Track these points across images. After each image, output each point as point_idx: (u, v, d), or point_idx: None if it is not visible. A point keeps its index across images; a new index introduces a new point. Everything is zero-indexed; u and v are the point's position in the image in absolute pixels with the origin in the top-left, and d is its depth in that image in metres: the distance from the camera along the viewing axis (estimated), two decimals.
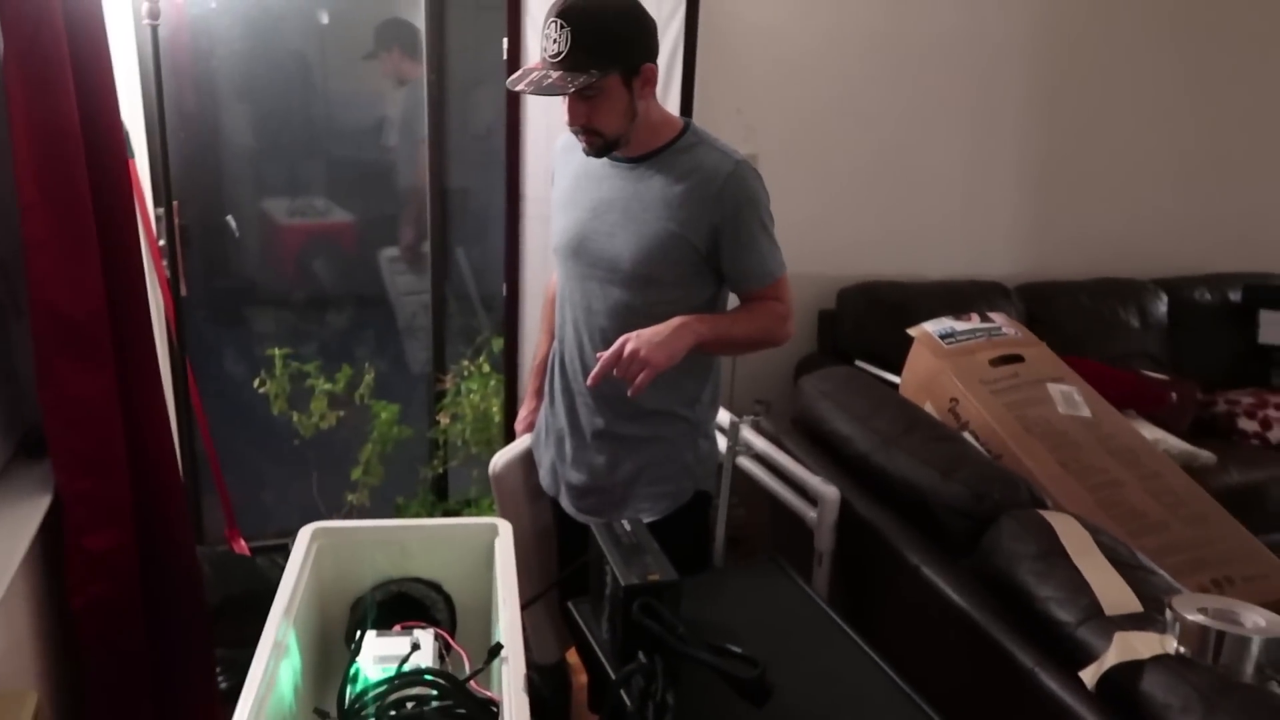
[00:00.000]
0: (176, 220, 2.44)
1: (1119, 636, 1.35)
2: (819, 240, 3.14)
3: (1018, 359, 2.39)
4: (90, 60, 1.48)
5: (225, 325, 2.90)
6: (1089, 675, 1.35)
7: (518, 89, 1.56)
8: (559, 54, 1.52)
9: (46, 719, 1.34)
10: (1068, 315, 3.25)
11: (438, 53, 2.73)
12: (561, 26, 1.51)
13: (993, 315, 2.58)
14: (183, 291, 2.49)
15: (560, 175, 1.83)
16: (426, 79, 2.73)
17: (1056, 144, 3.36)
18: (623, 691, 1.21)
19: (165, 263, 2.44)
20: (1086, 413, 2.26)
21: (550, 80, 1.52)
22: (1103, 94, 3.36)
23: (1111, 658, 1.33)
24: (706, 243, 1.65)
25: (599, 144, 1.63)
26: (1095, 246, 3.50)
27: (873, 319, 3.02)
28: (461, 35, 2.75)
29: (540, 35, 1.56)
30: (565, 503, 1.88)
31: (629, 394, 1.55)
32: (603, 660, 1.35)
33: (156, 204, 2.43)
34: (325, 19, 2.76)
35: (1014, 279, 3.30)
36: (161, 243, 2.44)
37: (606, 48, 1.53)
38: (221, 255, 2.81)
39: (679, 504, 1.79)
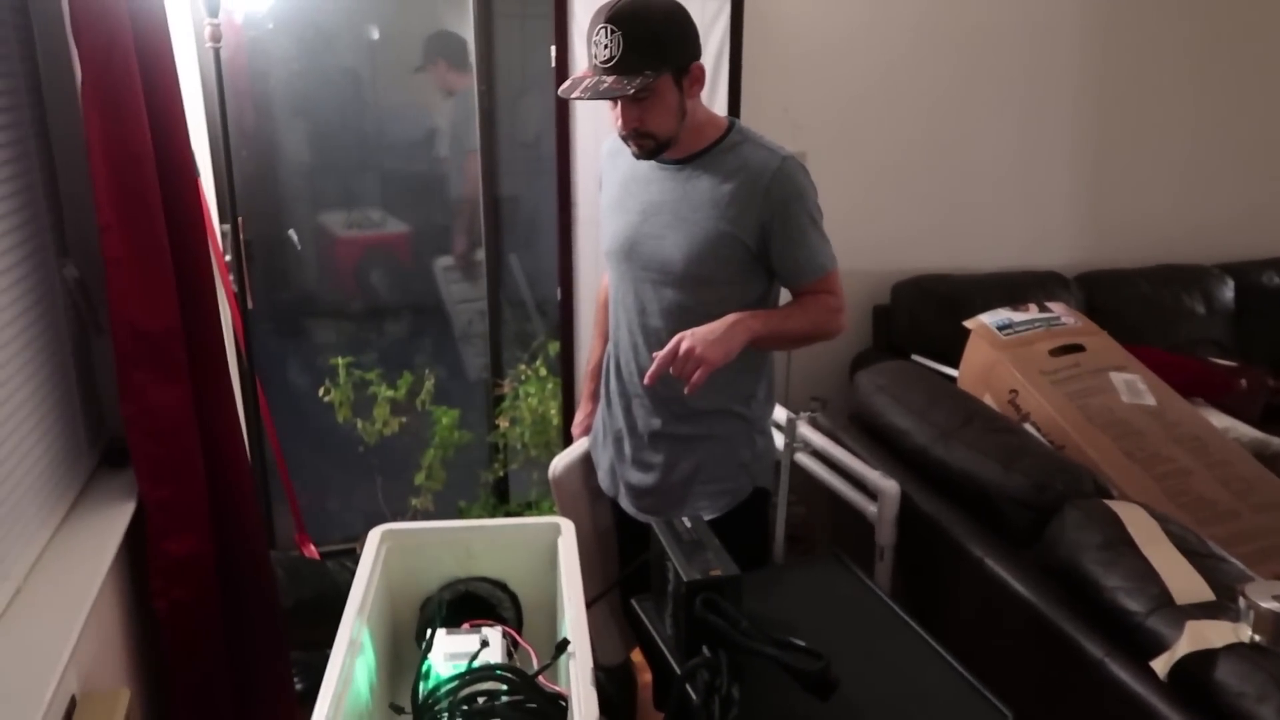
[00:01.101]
0: (241, 236, 2.52)
1: (1191, 625, 1.33)
2: (871, 235, 3.13)
3: (1078, 348, 2.36)
4: (159, 85, 1.54)
5: (289, 336, 2.97)
6: (1161, 665, 1.33)
7: (572, 97, 1.58)
8: (611, 59, 1.53)
9: (137, 716, 1.39)
10: (1129, 303, 3.19)
11: (486, 62, 2.78)
12: (612, 31, 1.52)
13: (1051, 305, 2.54)
14: (249, 304, 2.57)
15: (608, 180, 1.85)
16: (476, 89, 2.78)
17: (1112, 126, 3.29)
18: (688, 686, 1.23)
19: (232, 277, 2.52)
20: (1151, 401, 2.22)
21: (606, 85, 1.54)
22: (1159, 72, 3.28)
23: (1184, 647, 1.32)
24: (756, 240, 1.66)
25: (650, 146, 1.64)
26: (1156, 232, 3.43)
27: (927, 313, 3.00)
28: (509, 44, 2.80)
29: (588, 43, 1.58)
30: (625, 503, 1.90)
31: (685, 392, 1.56)
32: (667, 656, 1.36)
33: (222, 220, 2.51)
34: (376, 35, 2.82)
35: (1072, 268, 3.25)
36: (228, 258, 2.52)
37: (658, 49, 1.55)
38: (283, 268, 2.88)
39: (738, 501, 1.80)
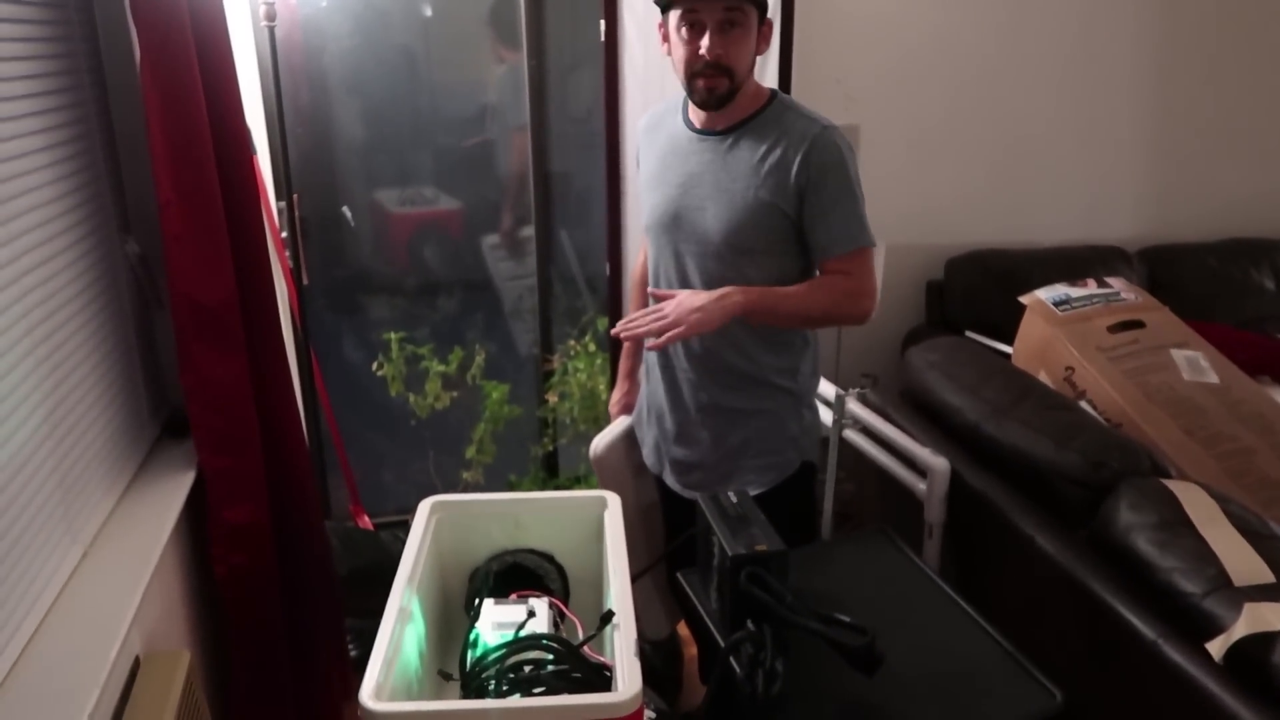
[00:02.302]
0: (297, 213, 2.57)
1: (1249, 607, 1.30)
2: (925, 209, 3.08)
3: (1138, 325, 2.30)
4: (216, 64, 1.57)
5: (343, 312, 3.02)
6: (1217, 647, 1.30)
7: (683, 6, 1.58)
8: None
9: (198, 677, 1.44)
10: (1194, 278, 3.10)
11: (537, 37, 2.78)
12: None
13: (1110, 280, 2.48)
14: (304, 280, 2.62)
15: (646, 155, 1.85)
16: (526, 64, 2.79)
17: (1177, 94, 3.18)
18: (732, 659, 1.23)
19: (288, 253, 2.57)
20: (1214, 378, 2.16)
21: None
22: (1226, 36, 3.16)
23: (1241, 629, 1.29)
24: (794, 208, 1.65)
25: (724, 87, 1.63)
26: (1223, 205, 3.31)
27: (983, 288, 2.95)
28: (559, 19, 2.79)
29: None
30: (670, 479, 1.91)
31: (646, 346, 1.68)
32: (712, 629, 1.37)
33: (278, 198, 2.55)
34: (429, 11, 2.83)
35: (1135, 242, 3.16)
36: (284, 234, 2.56)
37: None
38: (338, 245, 2.93)
39: (785, 475, 1.80)
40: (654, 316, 1.60)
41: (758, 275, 1.67)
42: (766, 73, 2.50)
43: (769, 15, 1.65)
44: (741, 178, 1.66)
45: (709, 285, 1.71)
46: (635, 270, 2.05)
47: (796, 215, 1.65)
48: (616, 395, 2.12)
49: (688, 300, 1.60)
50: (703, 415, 1.81)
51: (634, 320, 1.63)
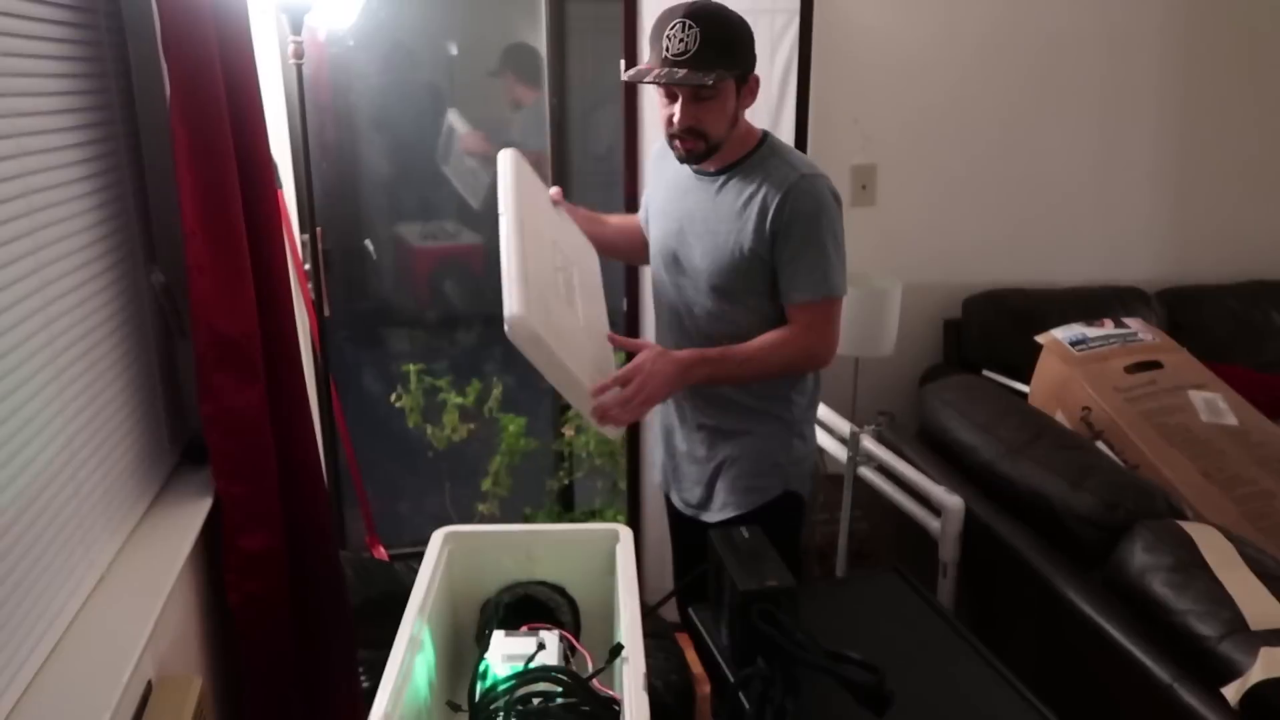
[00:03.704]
0: (320, 245, 2.61)
1: (1265, 652, 1.29)
2: (942, 248, 3.09)
3: (1156, 365, 2.29)
4: (243, 101, 1.61)
5: (363, 344, 3.06)
6: (1233, 692, 1.28)
7: (645, 81, 1.60)
8: (685, 52, 1.57)
9: (209, 704, 1.45)
10: (1214, 320, 3.08)
11: (558, 75, 2.82)
12: (689, 26, 1.57)
13: (1128, 321, 2.47)
14: (326, 312, 2.65)
15: (654, 183, 1.90)
16: (548, 101, 2.83)
17: (1197, 136, 3.18)
18: (741, 695, 1.23)
19: (310, 285, 2.60)
20: (1233, 421, 2.14)
21: (681, 74, 1.57)
22: (1245, 81, 3.17)
23: (1257, 674, 1.27)
24: (770, 254, 1.68)
25: (701, 149, 1.66)
26: (1244, 247, 3.30)
27: (1000, 328, 2.94)
28: (581, 58, 2.84)
29: (655, 39, 1.61)
30: (676, 498, 1.93)
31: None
32: (722, 666, 1.37)
33: (302, 230, 2.60)
34: (454, 50, 2.89)
35: (1154, 284, 3.15)
36: (307, 266, 2.60)
37: (730, 50, 1.60)
38: (360, 278, 2.97)
39: (764, 500, 1.80)
40: (621, 400, 1.59)
41: (746, 317, 1.72)
42: (784, 112, 2.53)
43: (754, 73, 1.67)
44: (725, 221, 1.70)
45: (706, 317, 1.75)
46: (631, 216, 2.09)
47: (772, 261, 1.68)
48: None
49: (656, 371, 1.61)
50: (700, 431, 1.85)
51: (603, 403, 1.59)
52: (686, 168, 1.77)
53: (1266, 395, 2.40)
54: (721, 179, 1.72)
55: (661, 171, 1.87)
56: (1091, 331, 2.39)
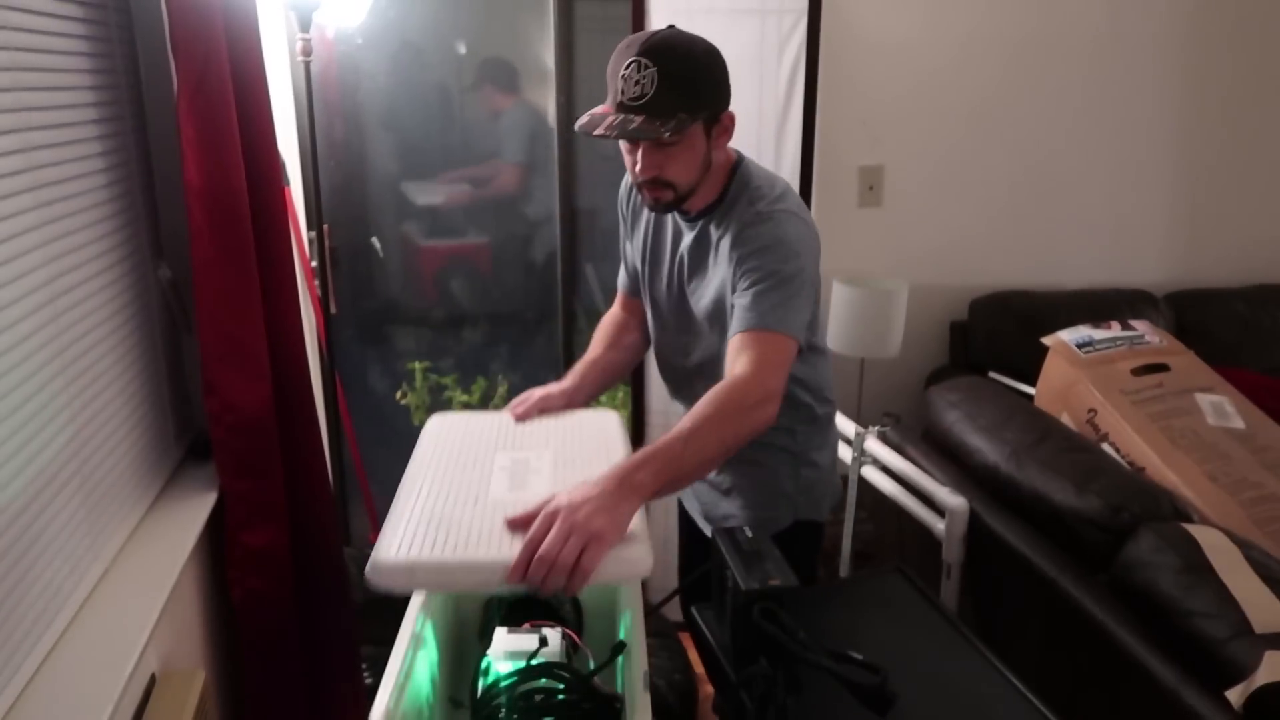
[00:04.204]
0: (327, 243, 2.61)
1: (1270, 655, 1.28)
2: (950, 250, 3.08)
3: (1163, 368, 2.28)
4: (251, 97, 1.61)
5: (369, 342, 3.06)
6: (1236, 695, 1.28)
7: (595, 134, 1.39)
8: (641, 96, 1.38)
9: (212, 698, 1.45)
10: (1222, 324, 3.07)
11: (566, 75, 2.83)
12: (645, 66, 1.37)
13: (1135, 323, 2.47)
14: (332, 310, 2.66)
15: (636, 222, 1.74)
16: (556, 101, 2.84)
17: (1206, 140, 3.18)
18: (743, 694, 1.23)
19: (317, 282, 2.61)
20: (1240, 424, 2.14)
21: (635, 124, 1.37)
22: (1254, 84, 3.16)
23: (1262, 677, 1.27)
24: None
25: (669, 198, 1.49)
26: (1252, 250, 3.29)
27: (1007, 330, 2.94)
28: (589, 58, 2.84)
29: (612, 78, 1.43)
30: (688, 504, 1.90)
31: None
32: (725, 665, 1.37)
33: (309, 228, 2.61)
34: (463, 50, 2.89)
35: (1162, 287, 3.15)
36: (314, 264, 2.61)
37: (695, 90, 1.40)
38: (366, 275, 2.98)
39: (776, 530, 1.71)
40: (547, 552, 1.12)
41: None
42: (790, 114, 2.53)
43: (728, 110, 1.48)
44: (709, 268, 1.57)
45: (702, 358, 1.63)
46: (604, 318, 1.87)
47: None
48: (541, 391, 1.69)
49: (576, 497, 1.18)
50: None
51: (523, 558, 1.14)
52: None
53: (1274, 399, 2.39)
54: (700, 224, 1.57)
55: (640, 213, 1.72)
56: (1098, 334, 2.38)
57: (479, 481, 1.34)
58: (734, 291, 1.46)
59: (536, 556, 1.11)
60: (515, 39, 2.91)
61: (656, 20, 2.45)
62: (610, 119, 1.40)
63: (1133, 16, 3.01)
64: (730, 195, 1.54)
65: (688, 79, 1.39)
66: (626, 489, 1.21)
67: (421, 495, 1.30)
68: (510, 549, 1.14)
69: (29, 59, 1.23)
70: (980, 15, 2.93)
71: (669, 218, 1.63)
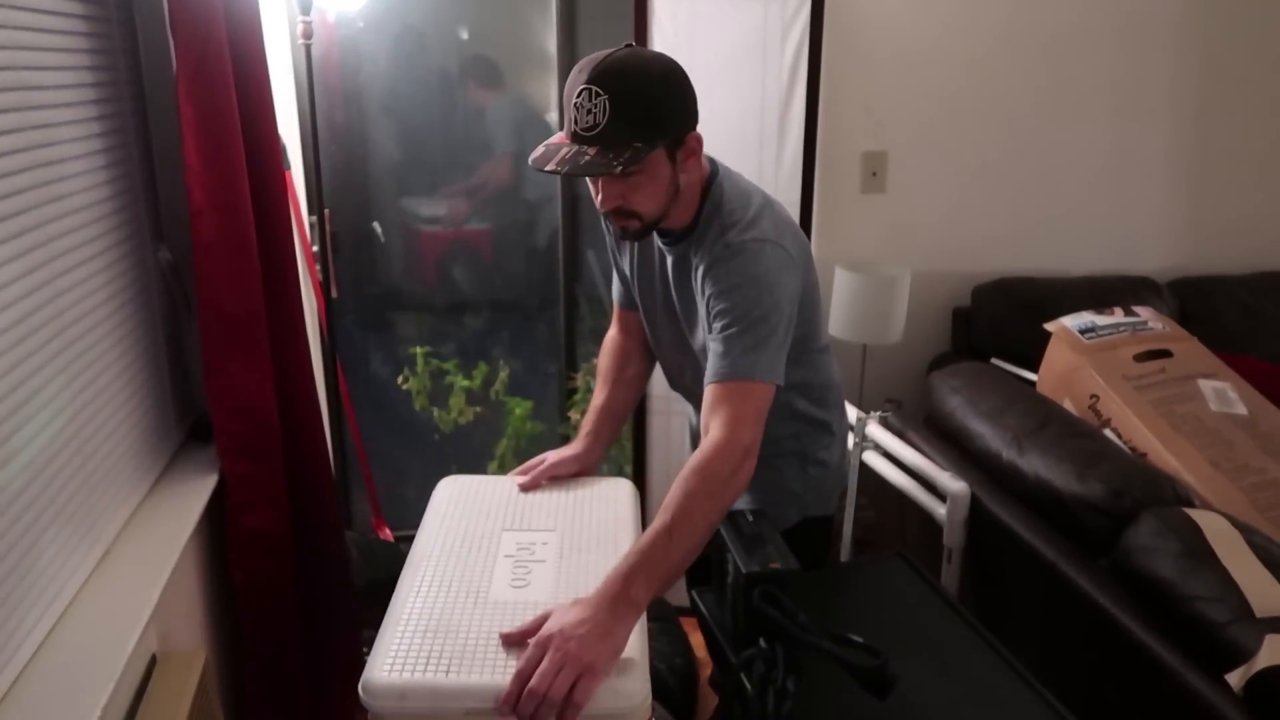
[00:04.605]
0: (328, 227, 2.61)
1: (1270, 639, 1.28)
2: (952, 236, 3.07)
3: (1165, 354, 2.27)
4: (251, 80, 1.61)
5: (371, 327, 3.06)
6: (1236, 678, 1.28)
7: (547, 169, 1.31)
8: (594, 126, 1.30)
9: (213, 677, 1.46)
10: (1226, 311, 3.06)
11: (569, 63, 2.82)
12: (596, 94, 1.29)
13: (1138, 309, 2.46)
14: (333, 294, 2.66)
15: (620, 247, 1.68)
16: (557, 85, 2.83)
17: (1211, 126, 3.15)
18: (743, 676, 1.23)
19: (318, 267, 2.61)
20: (1242, 410, 2.13)
21: (588, 158, 1.29)
22: (1260, 70, 3.14)
23: (1263, 660, 1.27)
24: None
25: (636, 227, 1.42)
26: (1257, 237, 3.27)
27: (1009, 316, 2.93)
28: (592, 46, 2.83)
29: (565, 106, 1.36)
30: None
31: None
32: (725, 647, 1.37)
33: (310, 212, 2.60)
34: (465, 35, 2.88)
35: (1165, 274, 3.13)
36: (315, 248, 2.61)
37: (649, 117, 1.31)
38: (368, 260, 2.97)
39: (784, 528, 1.64)
40: (538, 686, 1.08)
41: None
42: (794, 99, 2.52)
43: (692, 131, 1.39)
44: (689, 288, 1.50)
45: (698, 374, 1.52)
46: (606, 343, 1.80)
47: None
48: (558, 454, 1.64)
49: (568, 620, 1.14)
50: None
51: (511, 694, 1.09)
52: None
53: (1277, 386, 2.39)
54: (678, 248, 1.49)
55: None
56: (1101, 320, 2.38)
57: (481, 573, 1.33)
58: (709, 331, 1.41)
59: (527, 690, 1.08)
60: (517, 25, 2.90)
61: (659, 7, 2.43)
62: (564, 151, 1.32)
63: (1138, 3, 2.99)
64: (703, 221, 1.46)
65: (642, 107, 1.30)
66: (620, 609, 1.17)
67: (422, 591, 1.29)
68: (505, 670, 1.13)
69: (27, 38, 1.23)
70: (986, 3, 2.91)
71: (653, 242, 1.56)
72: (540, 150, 1.36)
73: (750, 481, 1.36)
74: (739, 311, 1.36)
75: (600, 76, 1.29)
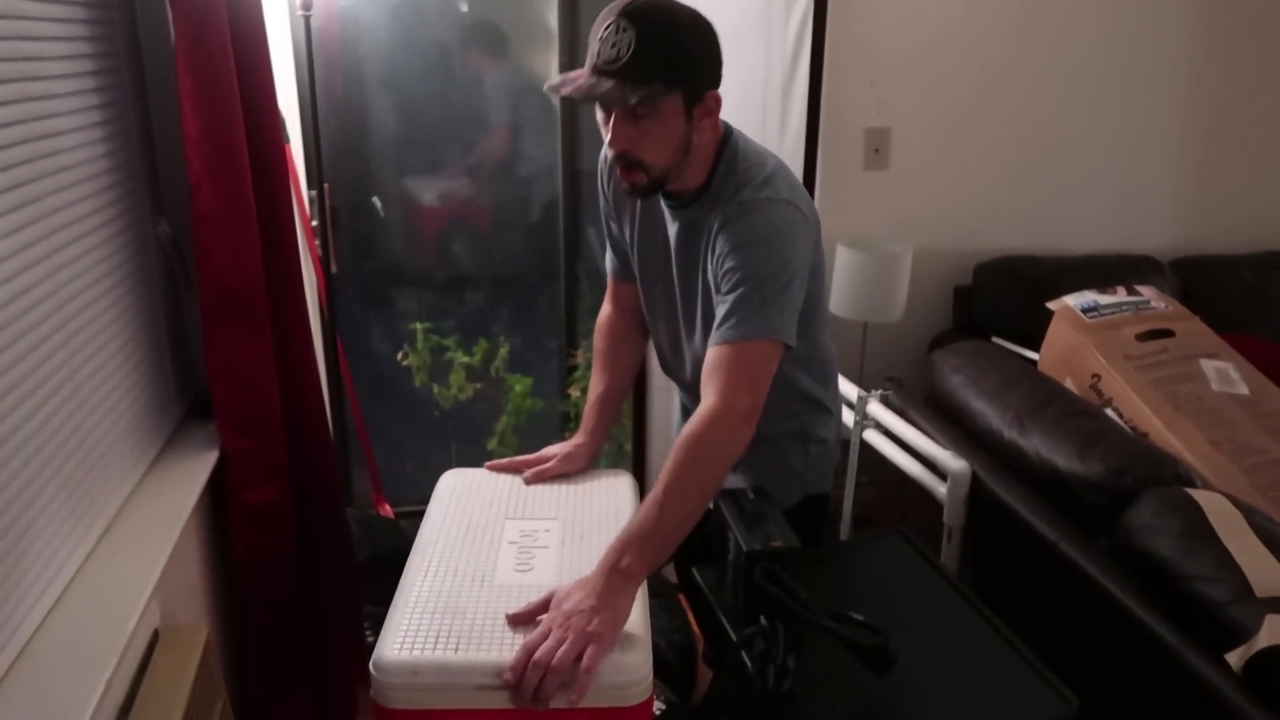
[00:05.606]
0: (327, 201, 2.59)
1: (1270, 619, 1.29)
2: (955, 214, 3.06)
3: (1167, 334, 2.27)
4: (251, 51, 1.59)
5: (371, 302, 3.05)
6: (1236, 658, 1.29)
7: (562, 93, 1.33)
8: (617, 59, 1.29)
9: (214, 652, 1.46)
10: (1229, 291, 3.05)
11: (570, 36, 2.79)
12: (624, 28, 1.29)
13: (1140, 288, 2.45)
14: (333, 268, 2.64)
15: (618, 201, 1.64)
16: (559, 63, 2.80)
17: (1214, 105, 3.13)
18: (744, 653, 1.23)
19: (318, 241, 2.59)
20: (1244, 390, 2.13)
21: (605, 88, 1.29)
22: (1263, 48, 3.11)
23: (1263, 640, 1.27)
24: None
25: (643, 182, 1.39)
26: (1260, 217, 3.26)
27: (1011, 294, 2.92)
28: (593, 19, 2.79)
29: (592, 41, 1.35)
30: None
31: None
32: (725, 625, 1.37)
33: (310, 186, 2.58)
34: (465, 7, 2.85)
35: (1168, 253, 3.12)
36: (314, 223, 2.59)
37: (674, 60, 1.31)
38: (368, 235, 2.96)
39: (783, 508, 1.69)
40: (541, 657, 1.12)
41: None
42: (798, 74, 2.50)
43: (714, 90, 1.38)
44: (695, 257, 1.48)
45: (698, 347, 1.53)
46: (599, 322, 1.78)
47: None
48: (558, 448, 1.66)
49: (569, 595, 1.20)
50: None
51: (518, 664, 1.13)
52: None
53: (1279, 366, 2.39)
54: (687, 211, 1.46)
55: (626, 198, 1.59)
56: (1103, 299, 2.37)
57: (486, 558, 1.36)
58: (717, 291, 1.39)
59: (532, 661, 1.11)
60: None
61: None
62: (580, 81, 1.33)
63: None
64: (716, 180, 1.44)
65: (668, 46, 1.30)
66: (614, 579, 1.20)
67: (429, 575, 1.32)
68: (512, 648, 1.16)
69: (23, 7, 1.21)
70: None
71: (658, 206, 1.54)
72: (558, 78, 1.36)
73: (747, 447, 1.34)
74: (749, 269, 1.34)
75: (632, 12, 1.29)
